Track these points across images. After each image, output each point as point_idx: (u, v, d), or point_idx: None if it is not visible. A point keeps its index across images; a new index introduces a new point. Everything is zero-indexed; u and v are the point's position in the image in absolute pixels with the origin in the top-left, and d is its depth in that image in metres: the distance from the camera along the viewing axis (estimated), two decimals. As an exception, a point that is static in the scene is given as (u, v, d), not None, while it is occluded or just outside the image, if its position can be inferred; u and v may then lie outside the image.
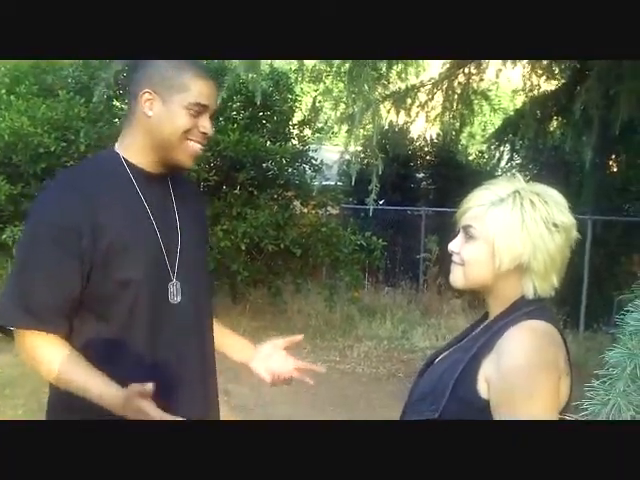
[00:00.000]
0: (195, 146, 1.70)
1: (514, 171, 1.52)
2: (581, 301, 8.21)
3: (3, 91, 6.70)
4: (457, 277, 1.51)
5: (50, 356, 1.61)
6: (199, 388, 1.81)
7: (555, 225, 1.40)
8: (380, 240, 8.03)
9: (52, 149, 6.30)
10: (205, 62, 7.68)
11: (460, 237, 1.50)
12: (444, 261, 9.74)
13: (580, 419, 1.21)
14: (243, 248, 6.95)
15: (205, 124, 1.69)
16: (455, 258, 1.51)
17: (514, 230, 1.39)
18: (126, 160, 1.71)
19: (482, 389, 1.37)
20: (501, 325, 1.40)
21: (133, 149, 1.71)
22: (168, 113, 1.66)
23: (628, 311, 1.33)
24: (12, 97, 6.60)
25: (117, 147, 1.75)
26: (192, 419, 1.65)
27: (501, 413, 1.33)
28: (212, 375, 1.89)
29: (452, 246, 1.51)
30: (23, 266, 1.66)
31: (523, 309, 1.42)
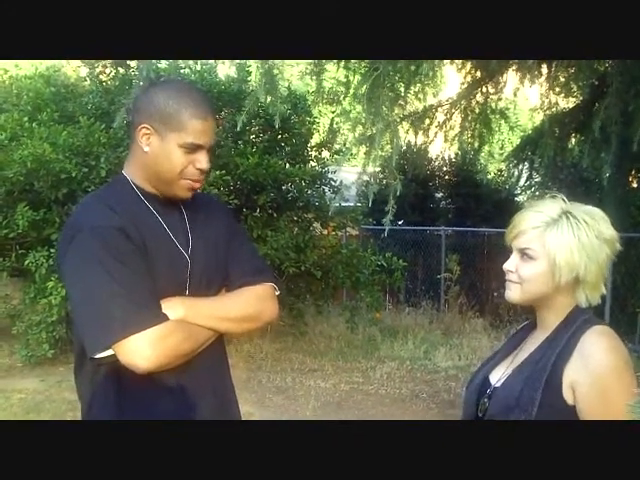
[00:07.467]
0: (191, 184, 1.72)
1: (554, 193, 1.64)
2: (604, 319, 8.12)
3: (25, 119, 6.79)
4: (515, 293, 1.62)
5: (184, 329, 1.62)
6: (211, 398, 1.78)
7: (605, 239, 1.55)
8: (400, 260, 8.02)
9: (73, 175, 6.36)
10: (224, 87, 7.78)
11: (515, 257, 1.62)
12: (465, 280, 9.71)
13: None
14: (264, 270, 6.94)
15: (201, 159, 1.70)
16: (511, 277, 1.62)
17: (573, 247, 1.53)
18: (135, 184, 1.74)
19: (567, 395, 1.48)
20: (571, 333, 1.54)
21: (138, 176, 1.74)
22: (164, 151, 1.67)
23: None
24: (34, 124, 6.70)
25: (125, 171, 1.78)
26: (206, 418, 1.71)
27: (591, 414, 1.45)
28: (226, 387, 1.88)
29: (508, 266, 1.63)
30: (102, 279, 1.56)
31: (580, 317, 1.57)
